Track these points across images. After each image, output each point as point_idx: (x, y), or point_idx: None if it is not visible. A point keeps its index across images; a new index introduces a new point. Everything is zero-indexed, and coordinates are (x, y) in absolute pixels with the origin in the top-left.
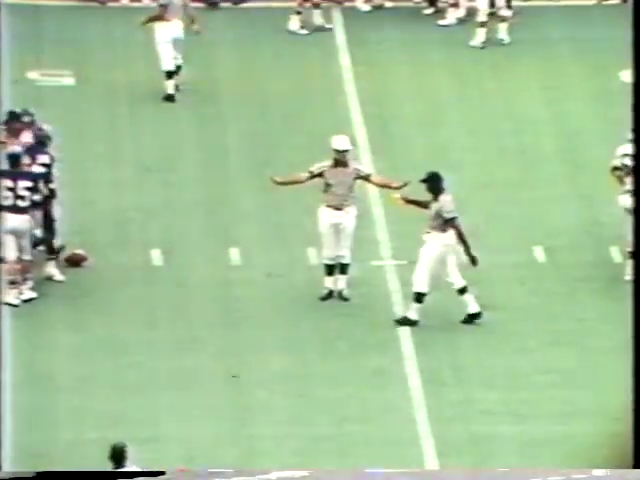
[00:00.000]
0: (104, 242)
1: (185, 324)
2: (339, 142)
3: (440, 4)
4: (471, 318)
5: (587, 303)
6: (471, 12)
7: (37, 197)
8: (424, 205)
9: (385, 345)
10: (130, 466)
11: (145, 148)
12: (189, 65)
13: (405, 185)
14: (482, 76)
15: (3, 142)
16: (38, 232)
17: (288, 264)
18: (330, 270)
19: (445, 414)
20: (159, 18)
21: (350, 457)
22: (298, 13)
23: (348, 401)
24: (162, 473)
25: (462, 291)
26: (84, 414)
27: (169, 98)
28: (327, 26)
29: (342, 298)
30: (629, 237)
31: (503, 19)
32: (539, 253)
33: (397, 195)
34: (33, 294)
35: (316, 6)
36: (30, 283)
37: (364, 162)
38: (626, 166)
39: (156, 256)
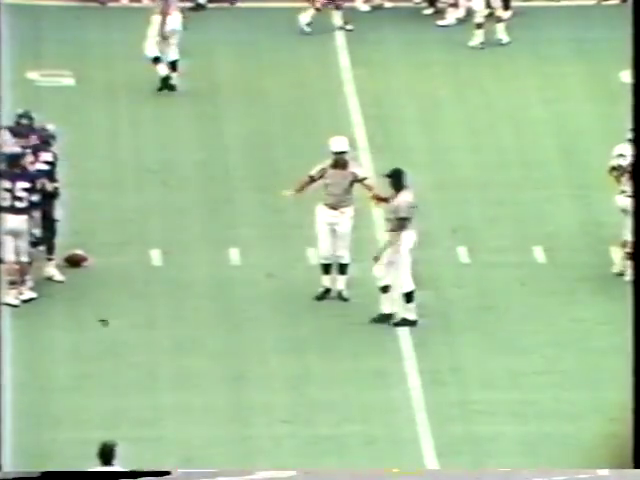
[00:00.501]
0: (104, 242)
1: (185, 324)
2: (336, 144)
3: (440, 4)
4: (405, 322)
5: (587, 303)
6: (471, 12)
7: (35, 198)
8: (388, 201)
9: (385, 345)
10: (117, 465)
11: (145, 148)
12: (189, 65)
13: (386, 200)
14: (482, 76)
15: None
16: (37, 232)
17: (288, 264)
18: (326, 269)
19: (445, 414)
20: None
21: (350, 457)
22: (317, 10)
23: (348, 401)
24: (167, 473)
25: (384, 289)
26: (84, 414)
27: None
28: (348, 27)
29: (342, 298)
30: (624, 237)
31: (500, 19)
32: (539, 253)
33: (370, 194)
34: (33, 294)
35: (338, 7)
36: (29, 283)
37: (364, 162)
38: (621, 166)
39: (156, 256)
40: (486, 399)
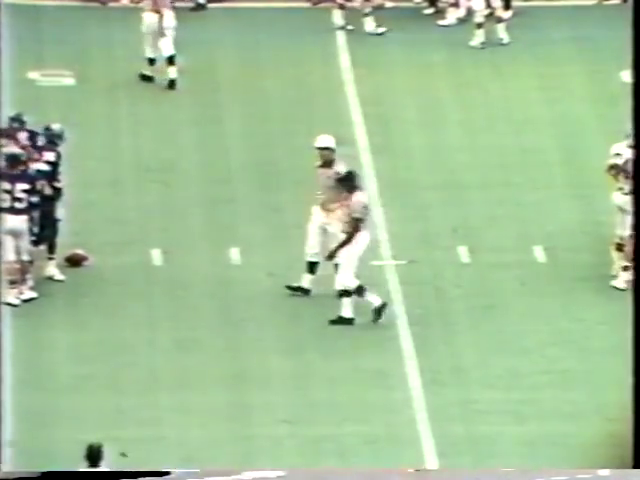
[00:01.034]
0: (104, 242)
1: (185, 324)
2: (319, 139)
3: (440, 4)
4: (342, 320)
5: (587, 303)
6: (471, 12)
7: (35, 199)
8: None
9: (385, 345)
10: (103, 467)
11: (145, 148)
12: (189, 65)
13: None
14: (482, 76)
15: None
16: (37, 230)
17: (288, 264)
18: (312, 268)
19: (445, 414)
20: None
21: (350, 457)
22: (341, 8)
23: (348, 401)
24: (167, 473)
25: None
26: (84, 414)
27: (148, 79)
28: (380, 31)
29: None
30: (619, 233)
31: (500, 19)
32: (539, 253)
33: None
34: (33, 294)
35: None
36: (30, 283)
37: (364, 162)
38: (617, 165)
39: (156, 256)
40: (486, 399)
